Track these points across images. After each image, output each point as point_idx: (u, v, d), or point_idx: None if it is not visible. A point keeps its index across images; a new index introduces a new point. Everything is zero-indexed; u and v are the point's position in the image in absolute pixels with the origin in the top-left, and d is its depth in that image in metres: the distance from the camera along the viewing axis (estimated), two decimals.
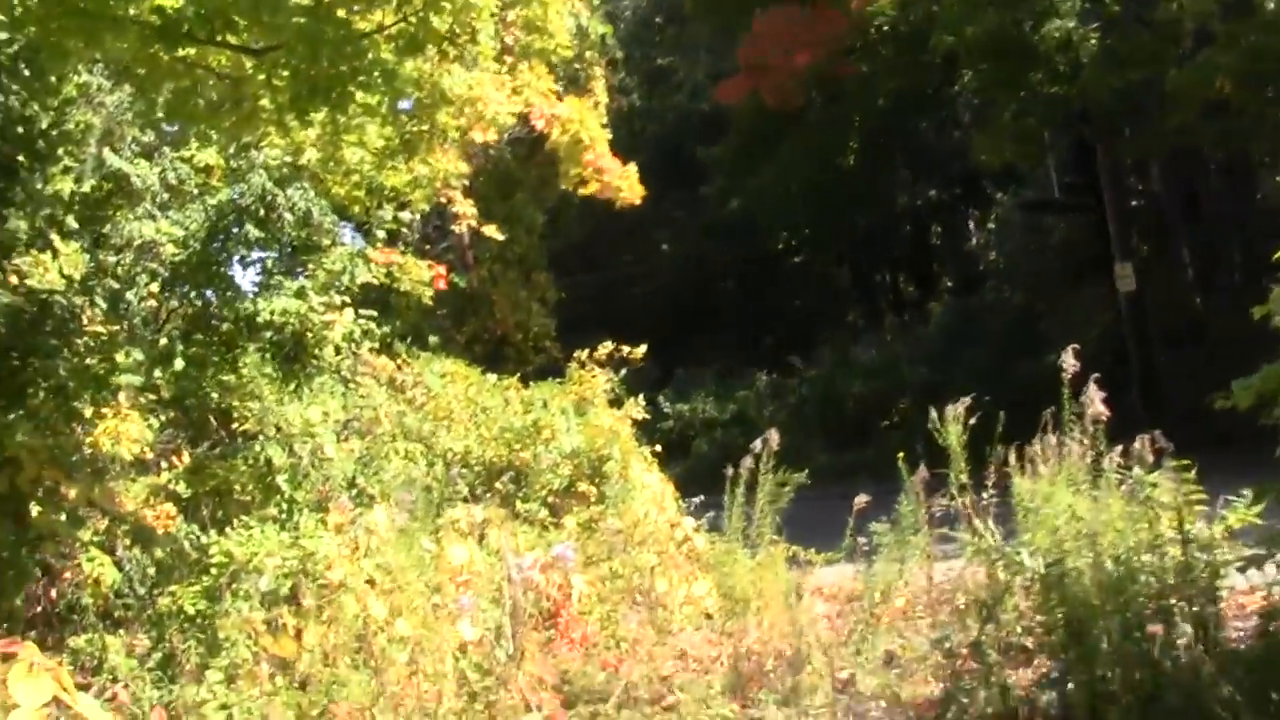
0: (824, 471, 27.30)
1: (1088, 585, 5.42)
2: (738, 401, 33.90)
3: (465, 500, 10.06)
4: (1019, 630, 5.89)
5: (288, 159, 10.33)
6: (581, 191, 15.06)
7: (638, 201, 15.10)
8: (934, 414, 7.12)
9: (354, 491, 8.83)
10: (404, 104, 11.18)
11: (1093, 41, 17.54)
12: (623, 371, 12.17)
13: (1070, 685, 5.38)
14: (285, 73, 7.36)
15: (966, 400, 6.99)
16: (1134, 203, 24.07)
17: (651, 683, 6.36)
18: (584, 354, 12.03)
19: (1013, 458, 6.55)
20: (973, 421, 7.01)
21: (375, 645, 6.55)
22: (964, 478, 6.74)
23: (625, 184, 15.07)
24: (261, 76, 7.38)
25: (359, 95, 7.16)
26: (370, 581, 7.59)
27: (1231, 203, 23.96)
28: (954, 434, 6.78)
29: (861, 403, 31.14)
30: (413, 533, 8.14)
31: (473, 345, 19.57)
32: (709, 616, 8.90)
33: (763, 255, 40.01)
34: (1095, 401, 6.24)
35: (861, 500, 7.64)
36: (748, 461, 8.01)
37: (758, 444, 8.04)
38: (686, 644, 7.54)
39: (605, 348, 11.94)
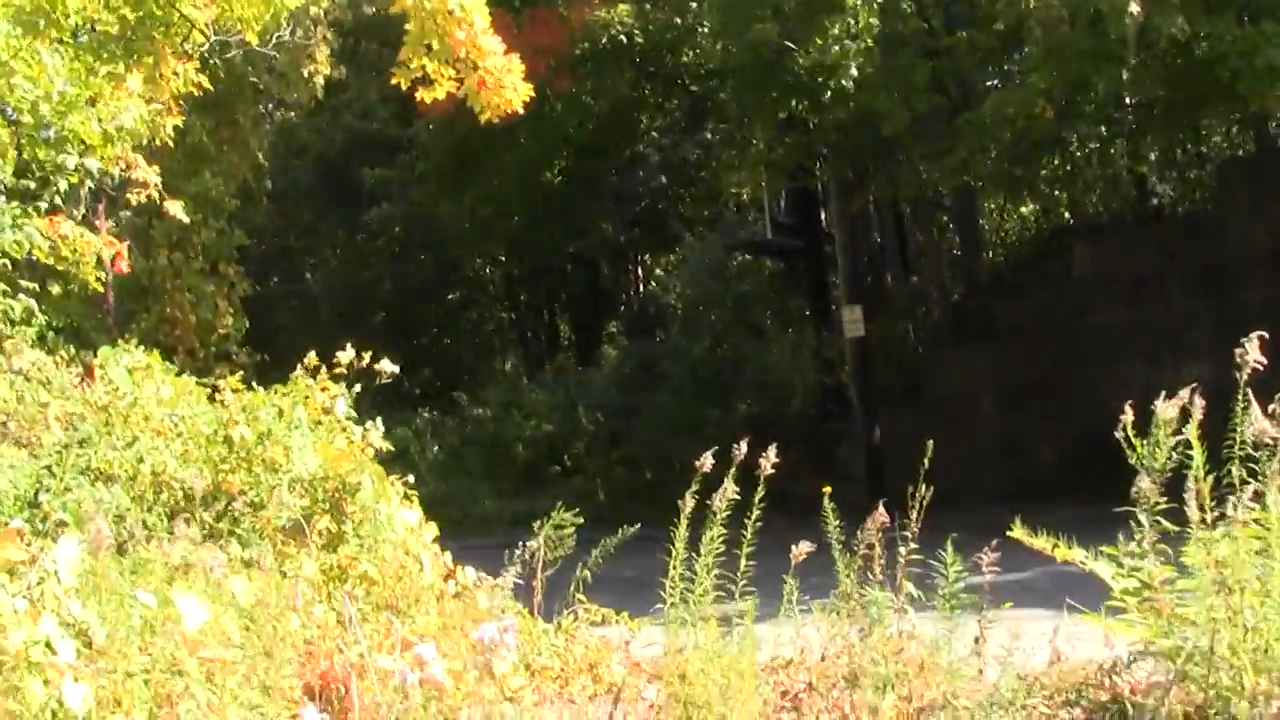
0: (489, 520, 25.39)
1: None
2: (395, 439, 31.43)
3: (154, 536, 7.57)
4: None
5: None
6: (425, 94, 10.21)
7: (520, 109, 10.51)
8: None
9: (28, 516, 6.24)
10: None
11: (858, 69, 16.27)
12: (357, 387, 9.81)
13: None
14: None
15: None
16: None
17: None
18: (313, 360, 9.57)
19: None
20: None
21: None
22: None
23: (510, 81, 10.28)
24: None
25: None
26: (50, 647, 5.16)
27: (953, 248, 23.93)
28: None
29: (532, 447, 29.36)
30: (120, 580, 5.72)
31: (143, 348, 16.19)
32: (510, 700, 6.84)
33: (419, 287, 37.97)
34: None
35: (802, 550, 5.51)
36: None
37: None
38: None
39: (345, 355, 9.52)
